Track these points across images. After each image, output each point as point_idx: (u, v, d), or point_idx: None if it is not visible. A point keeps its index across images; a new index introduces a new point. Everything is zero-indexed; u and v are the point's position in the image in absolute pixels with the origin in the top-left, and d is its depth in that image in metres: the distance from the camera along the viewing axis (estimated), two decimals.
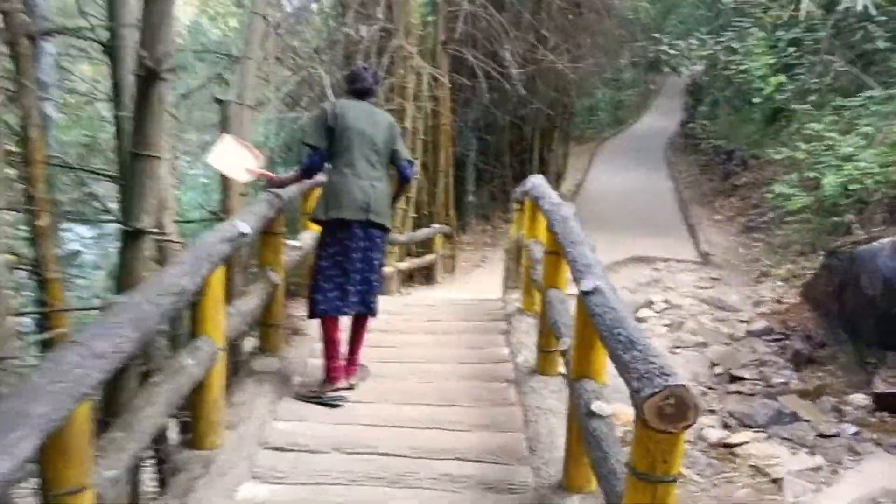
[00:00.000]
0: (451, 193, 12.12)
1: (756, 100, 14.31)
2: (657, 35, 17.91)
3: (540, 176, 5.36)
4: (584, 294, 2.77)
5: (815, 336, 9.67)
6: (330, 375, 4.15)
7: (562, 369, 4.03)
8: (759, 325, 10.96)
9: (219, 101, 5.03)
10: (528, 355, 4.43)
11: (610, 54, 17.25)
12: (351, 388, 4.22)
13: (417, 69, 10.66)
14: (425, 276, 11.68)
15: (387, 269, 9.72)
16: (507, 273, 8.62)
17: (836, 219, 11.98)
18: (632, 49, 20.39)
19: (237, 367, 4.29)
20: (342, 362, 4.21)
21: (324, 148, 4.08)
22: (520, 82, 12.19)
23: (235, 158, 4.30)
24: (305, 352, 4.71)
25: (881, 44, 13.53)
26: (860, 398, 6.05)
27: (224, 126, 4.86)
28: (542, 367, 4.25)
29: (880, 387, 6.91)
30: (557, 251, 4.09)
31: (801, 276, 12.03)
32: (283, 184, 4.36)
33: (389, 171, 4.26)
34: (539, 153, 17.14)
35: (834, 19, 14.10)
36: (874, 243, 10.17)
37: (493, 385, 4.26)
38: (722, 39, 14.69)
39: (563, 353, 3.53)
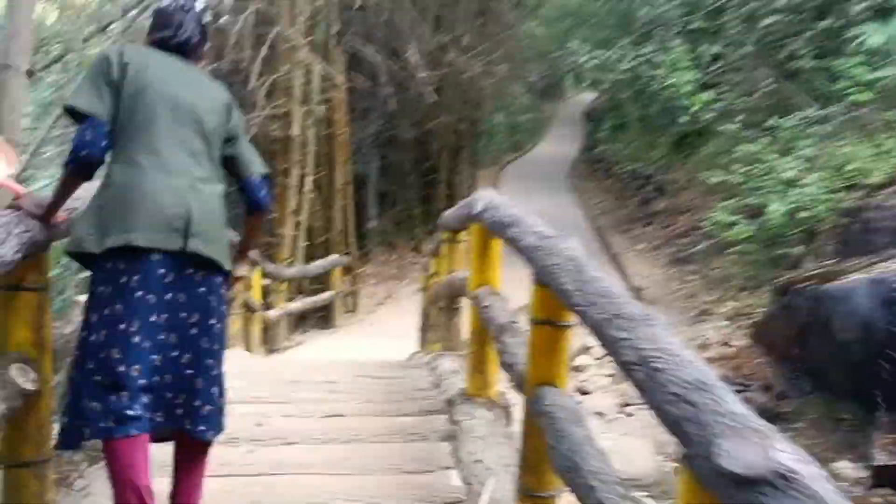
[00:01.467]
0: (350, 217, 10.14)
1: (682, 118, 13.12)
2: (567, 48, 16.73)
3: (490, 191, 3.54)
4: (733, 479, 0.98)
5: (775, 386, 8.56)
6: None
7: None
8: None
9: None
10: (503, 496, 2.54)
11: (519, 69, 15.81)
12: None
13: (306, 65, 8.69)
14: (322, 316, 9.63)
15: (272, 313, 7.64)
16: (425, 320, 6.73)
17: (782, 251, 10.80)
18: (531, 70, 19.23)
19: None
20: None
21: (106, 117, 2.12)
22: (427, 88, 10.42)
23: None
24: None
25: (807, 62, 12.65)
26: (848, 468, 5.29)
27: None
28: None
29: (880, 458, 5.82)
30: (558, 321, 2.28)
31: (747, 314, 10.77)
32: (41, 205, 2.27)
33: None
34: (447, 175, 15.42)
35: (757, 35, 13.18)
36: (844, 281, 8.95)
37: None
38: (644, 51, 13.50)
39: None
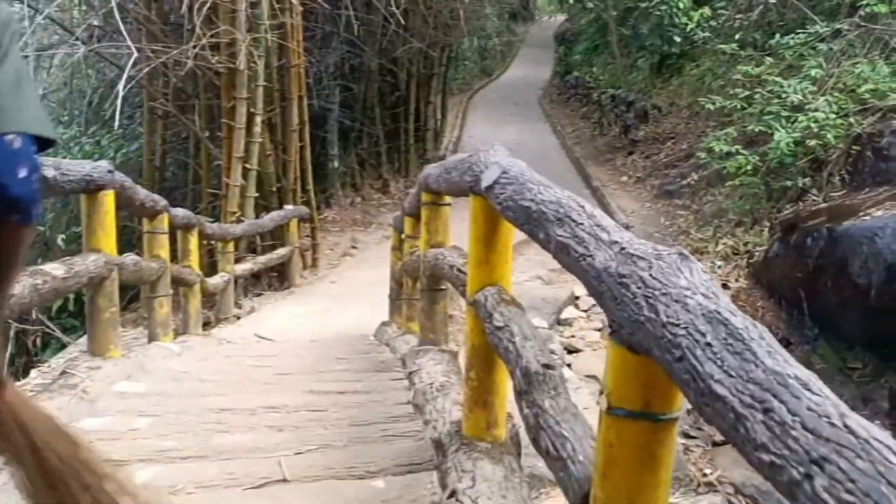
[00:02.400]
0: (308, 161, 8.90)
1: (675, 38, 11.88)
2: None
3: (502, 150, 2.43)
4: None
5: (777, 332, 7.80)
6: None
7: None
8: None
9: None
10: None
11: None
12: None
13: None
14: (278, 276, 8.51)
15: (214, 280, 6.52)
16: (397, 288, 5.68)
17: (783, 182, 9.85)
18: None
19: None
20: None
21: None
22: (394, 11, 9.07)
23: None
24: None
25: None
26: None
27: None
28: None
29: None
30: (662, 413, 1.23)
31: (744, 253, 9.88)
32: None
33: None
34: (416, 106, 14.11)
35: None
36: (868, 219, 8.09)
37: None
38: None
39: None
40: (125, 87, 6.54)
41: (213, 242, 6.98)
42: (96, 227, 3.53)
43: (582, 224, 1.53)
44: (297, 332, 6.46)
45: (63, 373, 3.34)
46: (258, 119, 7.85)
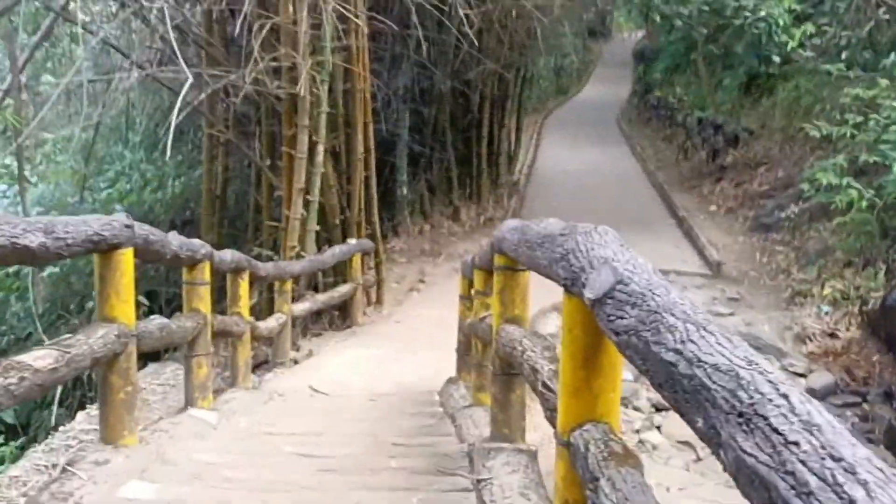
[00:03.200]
0: (373, 190, 8.36)
1: (775, 57, 10.89)
2: None
3: (612, 235, 1.73)
4: None
5: None
6: None
7: None
8: (819, 378, 7.68)
9: None
10: None
11: (570, 3, 13.62)
12: None
13: (315, 4, 6.86)
14: (339, 313, 7.97)
15: (267, 324, 6.00)
16: (465, 346, 5.03)
17: None
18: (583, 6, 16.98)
19: None
20: None
21: None
22: (466, 32, 8.46)
23: None
24: None
25: None
26: None
27: None
28: None
29: None
30: None
31: (855, 298, 8.80)
32: None
33: None
34: (488, 129, 13.48)
35: None
36: None
37: None
38: None
39: None
40: (182, 112, 6.12)
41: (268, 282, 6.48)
42: (110, 292, 2.99)
43: (793, 434, 0.83)
44: (356, 383, 5.86)
45: (64, 469, 2.80)
46: (320, 148, 7.35)
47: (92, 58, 7.45)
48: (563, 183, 16.86)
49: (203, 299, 4.24)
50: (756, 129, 15.07)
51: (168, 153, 5.04)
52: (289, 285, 6.65)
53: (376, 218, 8.39)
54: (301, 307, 7.00)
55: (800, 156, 12.83)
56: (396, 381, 5.97)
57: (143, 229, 3.20)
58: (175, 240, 3.75)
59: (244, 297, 5.36)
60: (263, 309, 7.30)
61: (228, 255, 4.93)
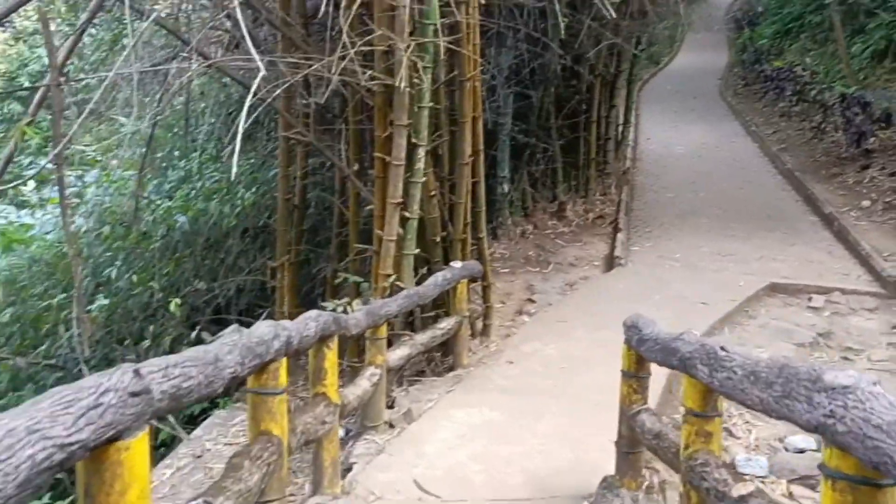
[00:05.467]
0: (481, 200, 6.87)
1: None
2: None
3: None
4: None
5: None
6: None
7: None
8: None
9: None
10: None
11: None
12: None
13: None
14: (441, 354, 6.56)
15: (369, 376, 4.65)
16: (624, 445, 3.55)
17: None
18: None
19: None
20: None
21: None
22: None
23: None
24: None
25: None
26: None
27: None
28: None
29: None
30: None
31: None
32: None
33: None
34: (597, 112, 11.77)
35: None
36: None
37: None
38: None
39: None
40: (254, 107, 4.72)
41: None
42: None
43: None
44: (474, 476, 4.45)
45: None
46: (421, 152, 5.87)
47: (142, 45, 6.15)
48: (673, 169, 14.95)
49: (278, 417, 2.86)
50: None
51: (235, 159, 3.77)
52: (384, 330, 5.26)
53: (484, 234, 6.89)
54: (397, 355, 5.61)
55: None
56: (525, 470, 4.53)
57: (169, 382, 1.79)
58: (229, 355, 2.34)
59: (331, 371, 3.98)
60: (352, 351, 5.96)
61: (312, 326, 3.53)
